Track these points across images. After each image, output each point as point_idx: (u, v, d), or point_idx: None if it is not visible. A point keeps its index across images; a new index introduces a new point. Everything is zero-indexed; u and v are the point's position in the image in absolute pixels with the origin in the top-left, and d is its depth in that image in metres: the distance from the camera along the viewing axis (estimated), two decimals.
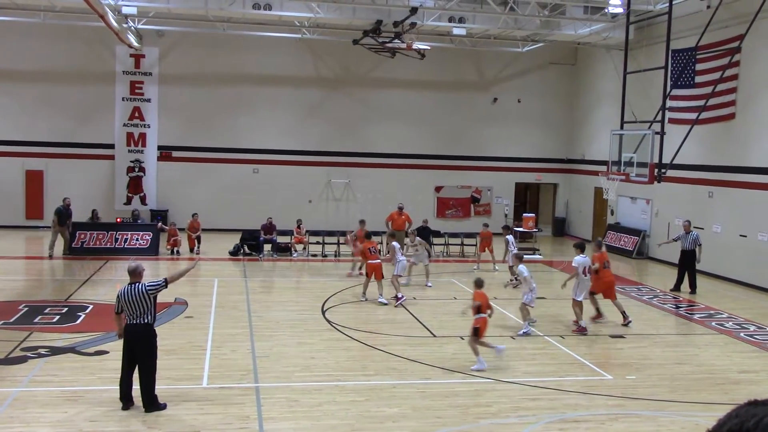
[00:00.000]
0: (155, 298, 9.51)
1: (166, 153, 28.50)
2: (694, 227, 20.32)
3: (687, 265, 19.35)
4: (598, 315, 15.30)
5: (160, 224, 24.30)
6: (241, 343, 12.98)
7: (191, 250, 23.40)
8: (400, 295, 16.61)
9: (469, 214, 30.86)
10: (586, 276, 14.62)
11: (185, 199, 27.69)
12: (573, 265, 14.75)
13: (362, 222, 20.30)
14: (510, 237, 19.69)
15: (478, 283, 12.36)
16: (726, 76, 20.53)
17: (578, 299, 14.56)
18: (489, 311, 12.07)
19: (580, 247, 15.04)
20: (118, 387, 9.52)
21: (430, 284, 18.85)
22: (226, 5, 22.85)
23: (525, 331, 14.05)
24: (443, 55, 28.77)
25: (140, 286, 9.44)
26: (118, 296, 9.49)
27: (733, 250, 20.98)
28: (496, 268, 21.53)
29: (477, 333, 11.71)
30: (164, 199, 28.27)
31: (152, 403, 9.41)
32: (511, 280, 18.16)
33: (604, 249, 15.82)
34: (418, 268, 19.24)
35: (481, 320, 11.79)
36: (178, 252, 23.08)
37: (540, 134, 31.26)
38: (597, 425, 9.58)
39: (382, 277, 16.70)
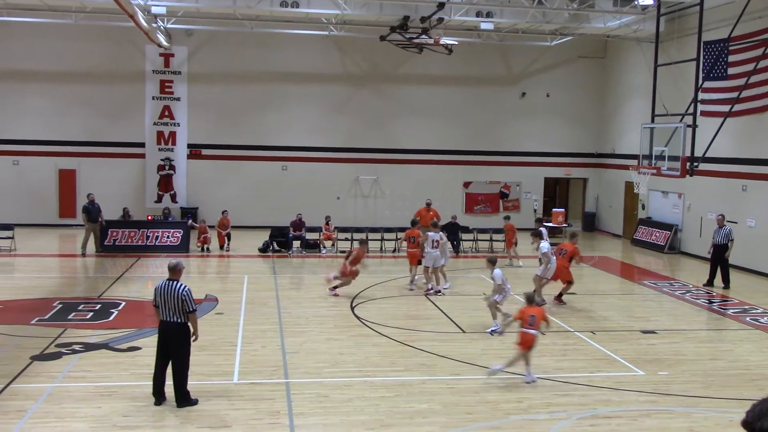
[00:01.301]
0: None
1: (195, 151, 28.75)
2: (728, 221, 20.01)
3: (719, 259, 19.07)
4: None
5: (190, 222, 24.53)
6: (271, 339, 13.05)
7: (221, 247, 23.57)
8: (430, 286, 17.24)
9: (498, 209, 30.70)
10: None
11: (215, 196, 27.94)
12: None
13: (363, 242, 18.94)
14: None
15: (529, 299, 11.57)
16: (760, 68, 20.19)
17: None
18: (543, 325, 11.24)
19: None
20: (152, 383, 9.64)
21: (447, 285, 17.95)
22: (254, 3, 22.97)
23: (494, 329, 13.69)
24: (471, 50, 28.64)
25: (178, 286, 9.50)
26: (155, 290, 9.62)
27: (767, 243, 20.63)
28: (520, 263, 21.42)
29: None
30: (194, 196, 28.53)
31: (184, 399, 9.50)
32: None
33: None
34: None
35: (521, 334, 11.05)
36: (208, 249, 23.26)
37: (569, 128, 30.99)
38: (629, 421, 9.48)
39: (419, 264, 17.66)
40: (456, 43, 25.17)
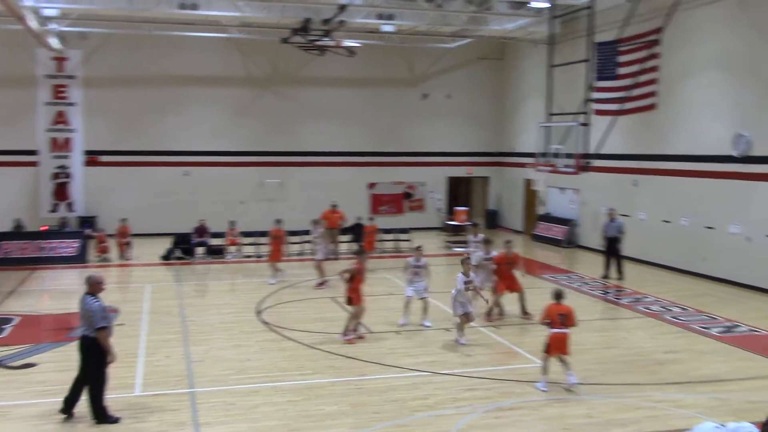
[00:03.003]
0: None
1: (92, 158, 27.81)
2: (620, 215, 20.92)
3: (613, 251, 19.95)
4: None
5: (88, 231, 23.71)
6: (174, 348, 12.79)
7: (121, 256, 22.91)
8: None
9: (403, 209, 31.06)
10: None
11: (114, 204, 27.09)
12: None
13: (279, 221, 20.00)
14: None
15: (557, 295, 11.05)
16: (647, 68, 21.18)
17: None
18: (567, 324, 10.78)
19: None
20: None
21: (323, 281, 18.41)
22: (151, 6, 22.43)
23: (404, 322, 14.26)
24: (373, 52, 28.84)
25: (90, 300, 9.25)
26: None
27: (658, 235, 21.69)
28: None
29: (546, 349, 10.81)
30: (92, 205, 27.57)
31: (100, 416, 9.23)
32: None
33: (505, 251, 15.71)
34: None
35: (551, 336, 10.77)
36: (107, 259, 22.56)
37: (470, 128, 31.67)
38: (531, 411, 9.79)
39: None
40: (358, 45, 25.30)
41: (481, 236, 17.76)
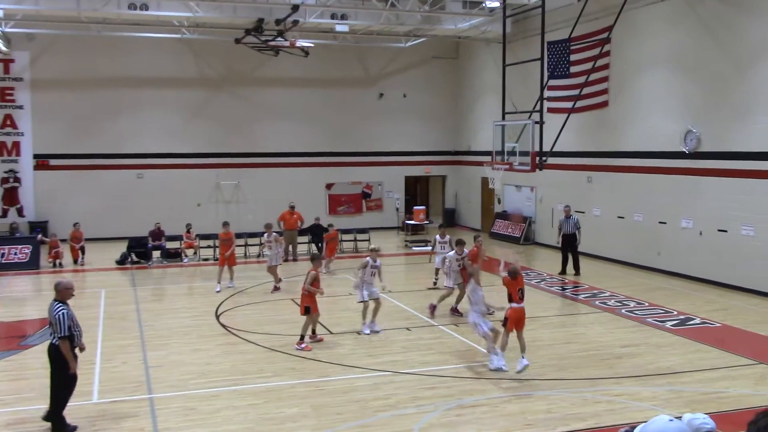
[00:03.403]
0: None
1: (42, 161, 27.23)
2: (576, 211, 21.20)
3: (569, 248, 20.22)
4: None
5: (39, 236, 23.21)
6: (132, 354, 12.60)
7: (75, 262, 22.49)
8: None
9: (361, 209, 31.06)
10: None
11: (66, 208, 26.54)
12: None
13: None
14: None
15: (513, 273, 11.50)
16: (598, 66, 21.50)
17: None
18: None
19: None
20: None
21: (278, 286, 18.21)
22: (100, 6, 22.03)
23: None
24: (327, 52, 28.78)
25: (56, 307, 9.06)
26: None
27: (612, 231, 22.05)
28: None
29: (505, 324, 11.37)
30: (43, 209, 27.00)
31: (56, 425, 9.03)
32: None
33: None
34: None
35: (509, 310, 11.36)
36: (60, 264, 22.12)
37: (426, 127, 31.80)
38: (492, 408, 9.86)
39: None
40: (312, 45, 25.22)
41: (448, 237, 17.86)
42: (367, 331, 13.74)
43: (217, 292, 18.00)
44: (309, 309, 13.06)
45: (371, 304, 13.97)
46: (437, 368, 11.61)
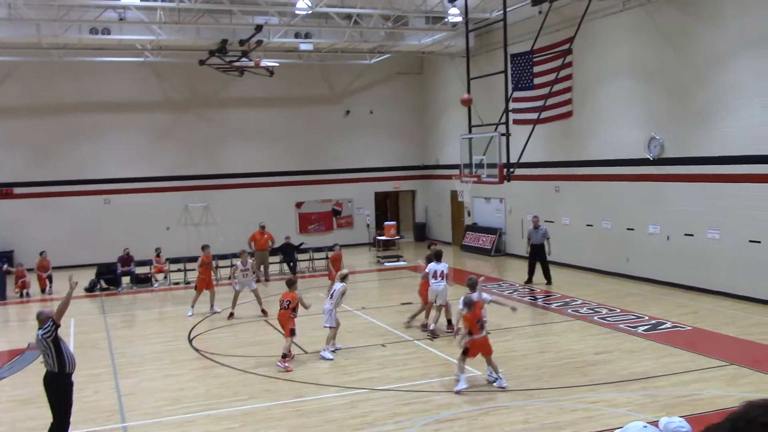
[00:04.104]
0: (56, 343, 8.97)
1: (6, 190, 26.81)
2: (545, 221, 21.36)
3: (538, 258, 20.38)
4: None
5: (5, 266, 22.77)
6: (104, 382, 12.39)
7: (43, 291, 22.14)
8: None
9: (332, 227, 31.01)
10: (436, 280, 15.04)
11: (32, 237, 26.13)
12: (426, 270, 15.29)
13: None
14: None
15: (467, 303, 11.27)
16: (561, 77, 21.76)
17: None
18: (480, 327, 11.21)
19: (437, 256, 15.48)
20: None
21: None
22: (61, 32, 21.84)
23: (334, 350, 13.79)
24: (293, 71, 28.80)
25: (38, 333, 9.00)
26: None
27: (582, 239, 22.25)
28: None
29: (465, 353, 11.14)
30: (8, 239, 26.55)
31: None
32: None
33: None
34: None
35: (468, 342, 11.12)
36: (28, 294, 21.76)
37: (394, 143, 31.89)
38: (470, 421, 9.85)
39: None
40: (277, 64, 25.25)
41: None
42: (331, 357, 13.39)
43: (190, 316, 17.74)
44: (294, 331, 13.14)
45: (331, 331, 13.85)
46: (413, 383, 11.57)
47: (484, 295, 12.21)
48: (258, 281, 21.63)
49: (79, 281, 21.79)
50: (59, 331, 9.08)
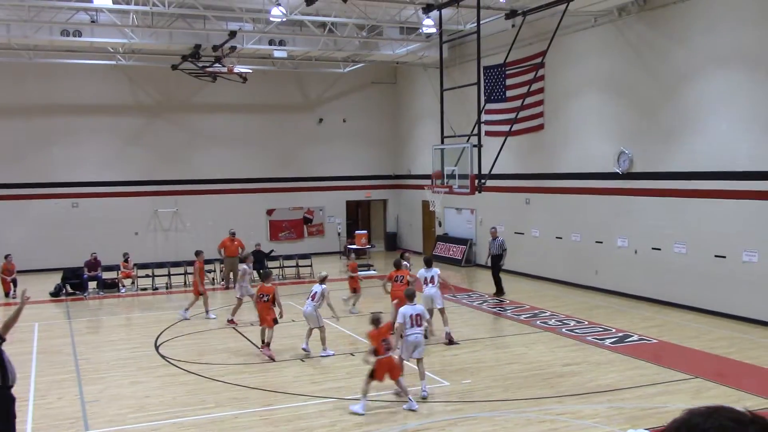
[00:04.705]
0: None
1: None
2: (515, 232, 21.48)
3: (494, 268, 20.55)
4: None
5: None
6: (67, 389, 12.20)
7: (7, 295, 21.75)
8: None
9: (303, 235, 30.91)
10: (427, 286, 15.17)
11: None
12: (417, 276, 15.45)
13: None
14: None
15: (375, 321, 11.13)
16: (533, 90, 21.94)
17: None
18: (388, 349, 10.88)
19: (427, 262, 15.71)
20: None
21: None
22: (31, 33, 21.56)
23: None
24: (266, 78, 28.72)
25: None
26: None
27: (551, 251, 22.42)
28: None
29: (372, 375, 10.79)
30: None
31: None
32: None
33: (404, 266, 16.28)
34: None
35: (376, 362, 10.79)
36: None
37: (367, 152, 31.92)
38: (438, 431, 9.85)
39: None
40: (250, 71, 25.16)
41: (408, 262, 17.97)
42: (332, 352, 13.94)
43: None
44: (276, 320, 13.94)
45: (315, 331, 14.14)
46: (382, 393, 11.54)
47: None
48: (227, 288, 21.56)
49: (42, 288, 21.49)
50: (3, 345, 8.77)
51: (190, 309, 18.11)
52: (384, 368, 10.72)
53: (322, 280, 14.39)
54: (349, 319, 17.26)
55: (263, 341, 14.01)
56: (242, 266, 18.19)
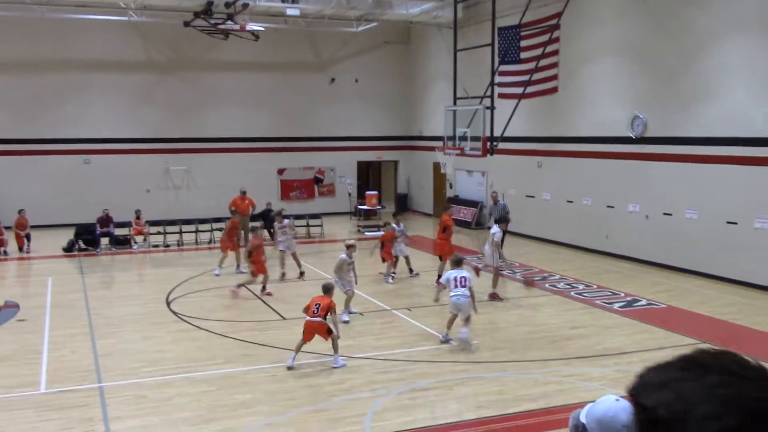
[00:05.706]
0: None
1: None
2: (527, 196, 21.42)
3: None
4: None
5: None
6: (81, 343, 12.38)
7: (20, 249, 21.97)
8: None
9: (314, 195, 30.95)
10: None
11: (10, 195, 25.83)
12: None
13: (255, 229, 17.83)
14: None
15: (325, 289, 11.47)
16: (548, 52, 21.72)
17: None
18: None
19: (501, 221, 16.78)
20: None
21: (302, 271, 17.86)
22: None
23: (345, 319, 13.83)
24: (278, 37, 28.50)
25: None
26: None
27: (562, 215, 22.38)
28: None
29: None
30: None
31: None
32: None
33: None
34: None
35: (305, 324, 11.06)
36: (5, 252, 21.60)
37: (378, 113, 31.75)
38: (445, 391, 9.98)
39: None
40: (263, 29, 24.98)
41: (402, 225, 18.02)
42: (347, 319, 13.62)
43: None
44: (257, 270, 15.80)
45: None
46: (390, 352, 11.67)
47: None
48: (240, 247, 21.68)
49: (55, 243, 21.67)
50: None
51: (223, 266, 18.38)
52: (312, 329, 10.88)
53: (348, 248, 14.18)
54: (359, 280, 17.25)
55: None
56: (285, 221, 18.44)
